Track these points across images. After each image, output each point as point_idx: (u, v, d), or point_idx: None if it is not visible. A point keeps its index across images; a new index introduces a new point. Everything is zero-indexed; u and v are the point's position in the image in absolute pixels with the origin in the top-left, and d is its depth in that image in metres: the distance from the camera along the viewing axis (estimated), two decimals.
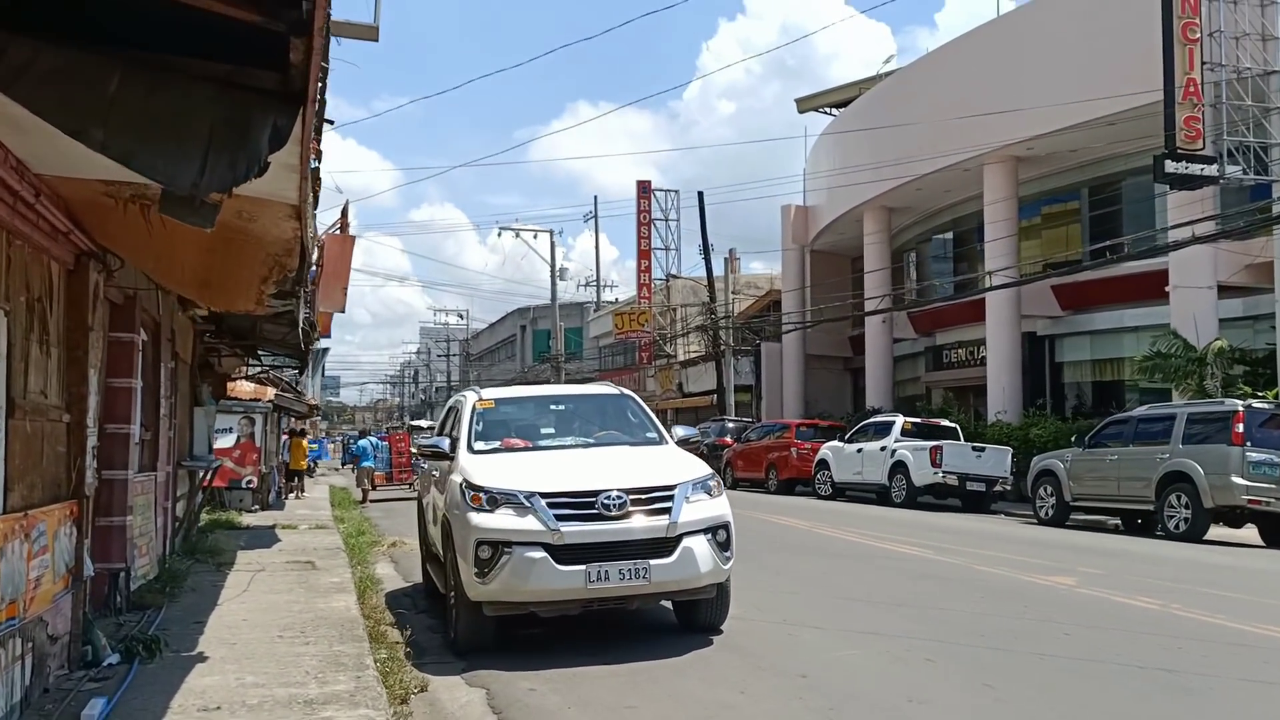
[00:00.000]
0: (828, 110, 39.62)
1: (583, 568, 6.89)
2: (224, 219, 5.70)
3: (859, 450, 23.24)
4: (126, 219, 5.77)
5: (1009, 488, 21.39)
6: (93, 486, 6.57)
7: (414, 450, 26.51)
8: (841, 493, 24.12)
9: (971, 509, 21.08)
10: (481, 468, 7.61)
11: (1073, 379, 27.17)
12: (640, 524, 7.05)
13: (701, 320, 40.85)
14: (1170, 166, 19.00)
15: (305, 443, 25.83)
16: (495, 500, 7.13)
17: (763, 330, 37.92)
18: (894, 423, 22.88)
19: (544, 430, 8.67)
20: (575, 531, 6.94)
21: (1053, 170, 26.60)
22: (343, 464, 54.04)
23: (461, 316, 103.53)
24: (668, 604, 7.90)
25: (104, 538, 7.74)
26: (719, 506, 7.49)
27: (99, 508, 7.71)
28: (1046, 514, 17.57)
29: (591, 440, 8.52)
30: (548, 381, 67.40)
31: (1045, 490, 17.66)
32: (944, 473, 20.78)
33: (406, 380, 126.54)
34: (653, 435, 8.66)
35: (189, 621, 7.86)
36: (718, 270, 39.26)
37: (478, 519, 7.08)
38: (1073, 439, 21.18)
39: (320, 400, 50.59)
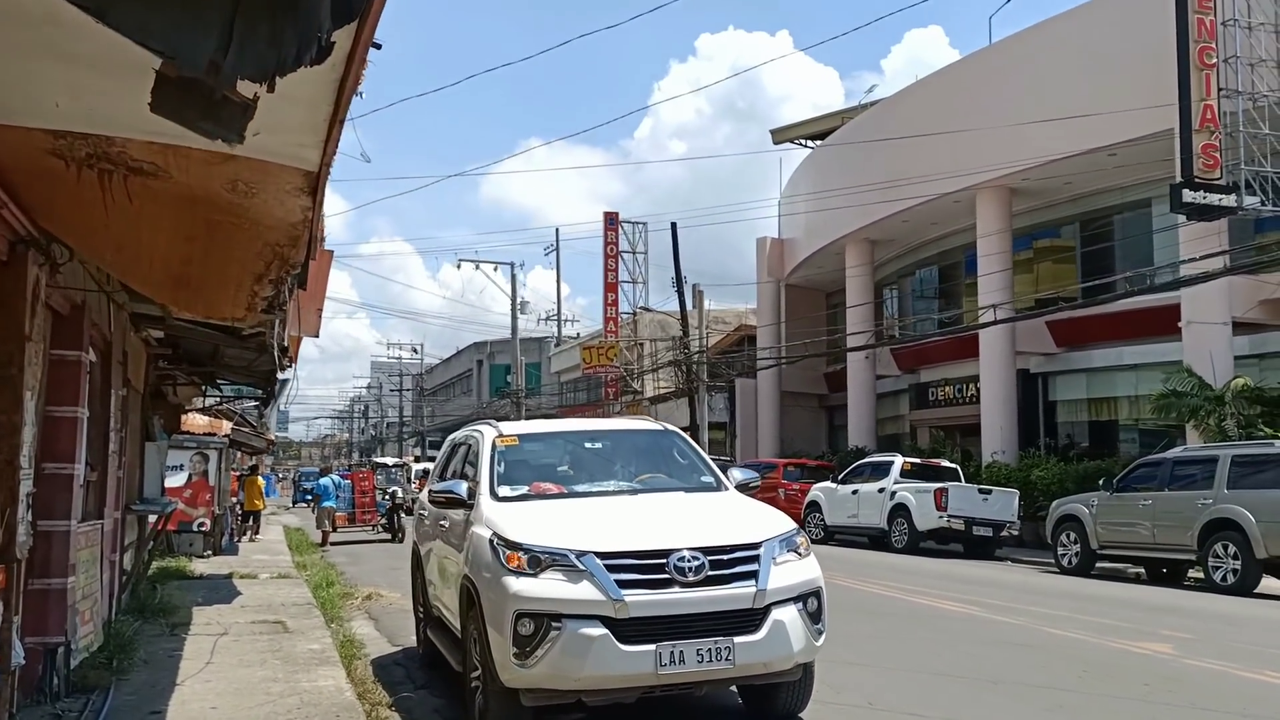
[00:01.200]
0: (803, 142, 38.83)
1: (652, 648, 5.47)
2: (212, 192, 4.28)
3: (854, 492, 22.01)
4: (79, 192, 4.34)
5: (1016, 533, 20.24)
6: (26, 546, 5.06)
7: (379, 490, 24.84)
8: (832, 536, 22.84)
9: (975, 555, 19.91)
10: (515, 519, 6.18)
11: (1068, 418, 26.22)
12: (721, 593, 5.66)
13: (673, 355, 39.57)
14: (1188, 196, 18.15)
15: (260, 480, 24.04)
16: (538, 561, 5.71)
17: (738, 365, 36.70)
18: (893, 463, 21.70)
19: (579, 473, 7.25)
20: (643, 602, 5.53)
21: (1044, 203, 25.81)
22: (294, 502, 51.75)
23: (415, 350, 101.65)
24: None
25: (39, 606, 6.19)
26: (809, 569, 6.13)
27: (34, 568, 6.16)
28: (1070, 562, 16.40)
29: (638, 485, 7.12)
30: (507, 418, 66.11)
31: (1068, 537, 16.50)
32: (949, 517, 19.60)
33: (356, 415, 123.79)
34: (708, 479, 7.29)
35: (144, 711, 6.30)
36: (687, 305, 38.03)
37: (518, 585, 5.65)
38: (1081, 482, 20.23)
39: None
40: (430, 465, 29.52)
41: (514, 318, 61.10)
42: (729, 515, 6.43)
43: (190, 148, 3.96)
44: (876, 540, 21.26)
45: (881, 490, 21.19)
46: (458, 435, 8.89)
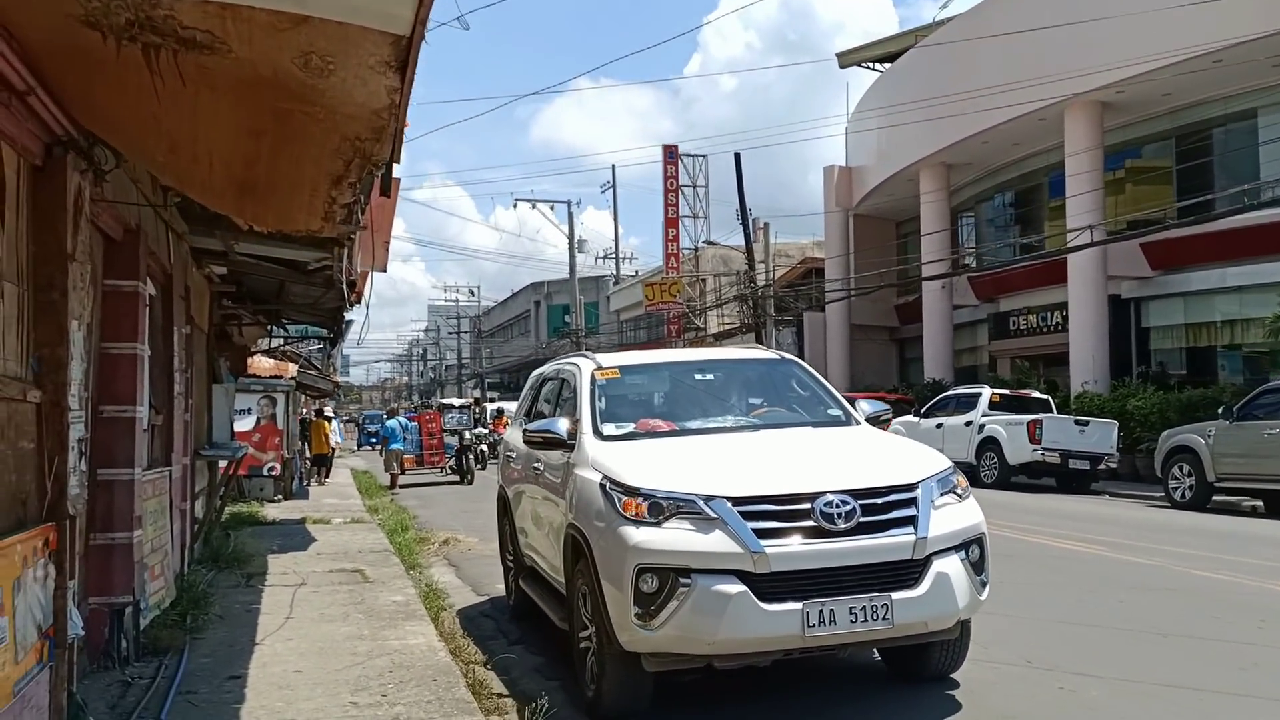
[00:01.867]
0: (871, 65, 37.19)
1: (798, 606, 4.71)
2: (281, 70, 3.49)
3: (938, 426, 21.02)
4: (122, 76, 3.57)
5: (1115, 465, 19.19)
6: (80, 499, 4.41)
7: (445, 430, 24.39)
8: None
9: (1070, 489, 18.93)
10: (628, 461, 5.43)
11: (1162, 345, 24.88)
12: (876, 542, 4.87)
13: (738, 289, 38.58)
14: None
15: (327, 424, 23.68)
16: (660, 508, 4.96)
17: (807, 298, 35.60)
18: (980, 395, 20.68)
19: (689, 408, 6.47)
20: (787, 554, 4.77)
21: (1138, 118, 24.26)
22: (359, 445, 51.91)
23: (473, 293, 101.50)
24: None
25: (103, 563, 5.59)
26: (971, 512, 5.32)
27: (95, 521, 5.55)
28: (1183, 496, 15.38)
29: (757, 421, 6.32)
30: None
31: (1181, 469, 15.45)
32: (1044, 450, 18.59)
33: (414, 359, 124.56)
34: (836, 412, 6.48)
35: (222, 676, 5.70)
36: (752, 238, 36.90)
37: (638, 535, 4.91)
38: (1184, 411, 19.09)
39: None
40: (505, 404, 28.02)
41: (572, 257, 60.30)
42: (873, 452, 5.62)
43: (254, 8, 3.19)
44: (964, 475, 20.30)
45: (969, 424, 20.22)
46: (546, 370, 8.16)
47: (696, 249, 45.72)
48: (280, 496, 17.84)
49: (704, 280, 45.15)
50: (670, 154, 45.71)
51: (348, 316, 13.47)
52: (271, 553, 10.90)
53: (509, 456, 8.04)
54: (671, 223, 44.99)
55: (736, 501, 4.87)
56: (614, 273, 63.83)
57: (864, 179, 34.82)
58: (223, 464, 11.13)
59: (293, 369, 17.86)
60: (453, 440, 24.03)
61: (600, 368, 6.65)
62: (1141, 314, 24.87)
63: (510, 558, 8.17)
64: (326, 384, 21.06)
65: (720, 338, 41.74)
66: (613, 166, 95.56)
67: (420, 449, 23.19)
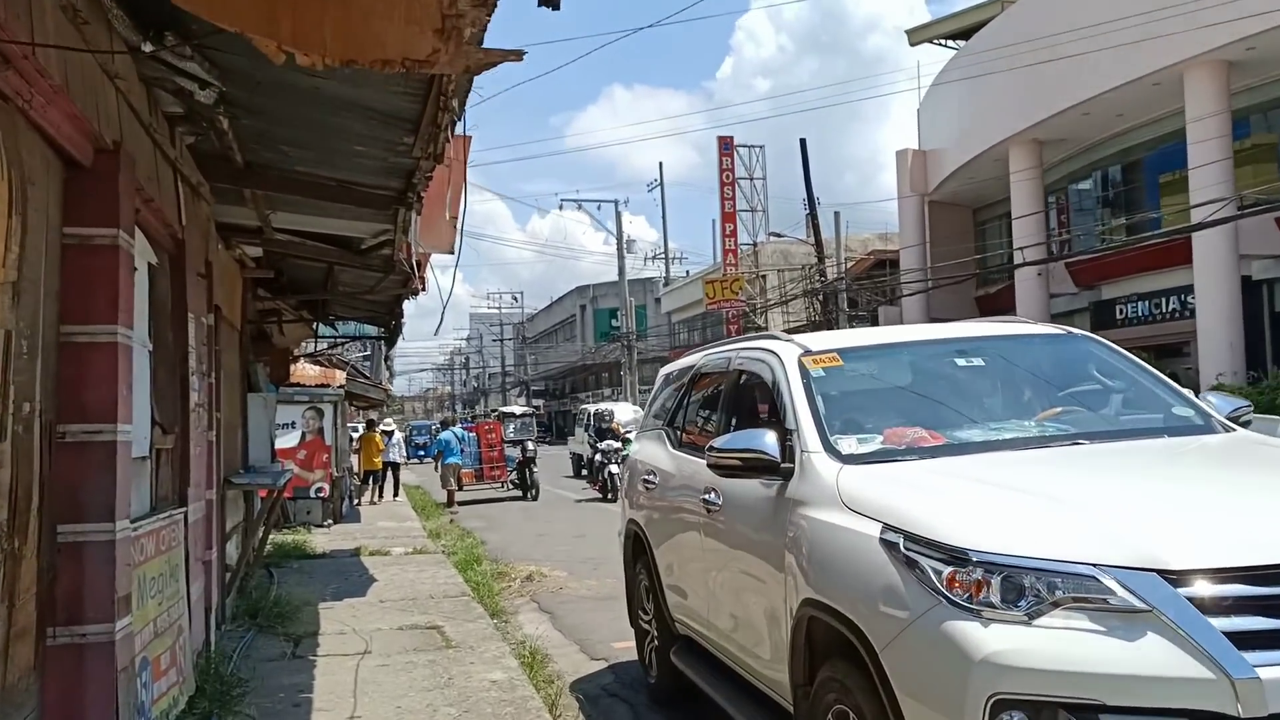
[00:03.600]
0: (943, 42, 34.81)
1: None
2: None
3: None
4: None
5: None
6: None
7: (505, 441, 22.31)
8: None
9: None
10: (929, 498, 3.25)
11: None
12: None
13: (805, 284, 36.27)
14: None
15: (379, 437, 21.66)
16: (1025, 589, 2.77)
17: (885, 289, 33.18)
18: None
19: (957, 409, 4.24)
20: None
21: (1270, 78, 21.70)
22: (406, 458, 50.00)
23: (515, 299, 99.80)
24: None
25: (67, 675, 3.49)
26: None
27: (52, 612, 3.45)
28: None
29: (1069, 428, 4.09)
30: (616, 365, 63.25)
31: None
32: None
33: (456, 368, 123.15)
34: (1187, 412, 4.25)
35: None
36: (825, 232, 34.60)
37: (994, 641, 2.72)
38: None
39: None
40: (613, 405, 25.43)
41: (620, 257, 58.16)
42: None
43: None
44: None
45: None
46: (696, 360, 5.99)
47: (755, 244, 43.43)
48: (330, 521, 15.83)
49: (764, 277, 42.82)
50: (725, 145, 43.54)
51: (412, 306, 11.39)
52: (324, 600, 8.82)
53: (646, 480, 5.87)
54: (729, 217, 42.78)
55: (1179, 577, 2.67)
56: (663, 274, 61.70)
57: (940, 162, 32.40)
58: (269, 489, 9.07)
59: (340, 376, 15.85)
60: (514, 452, 21.95)
61: (810, 353, 4.47)
62: (1276, 297, 22.29)
63: (647, 618, 6.01)
64: (378, 392, 19.01)
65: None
66: (659, 163, 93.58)
67: (479, 462, 21.09)
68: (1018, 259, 27.40)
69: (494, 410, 28.82)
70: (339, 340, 15.33)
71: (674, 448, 5.65)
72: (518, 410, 24.64)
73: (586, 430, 24.76)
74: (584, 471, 24.80)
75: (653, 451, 5.91)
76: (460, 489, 20.70)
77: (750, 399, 4.84)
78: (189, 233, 5.51)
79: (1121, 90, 22.83)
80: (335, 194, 6.50)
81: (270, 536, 14.30)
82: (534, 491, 20.99)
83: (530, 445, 21.38)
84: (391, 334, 11.07)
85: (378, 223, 7.59)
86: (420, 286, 9.06)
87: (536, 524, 16.67)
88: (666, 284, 59.17)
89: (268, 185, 6.27)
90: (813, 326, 36.13)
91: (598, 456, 21.26)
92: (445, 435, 21.01)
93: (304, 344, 12.25)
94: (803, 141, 34.69)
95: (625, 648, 6.92)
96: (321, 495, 15.41)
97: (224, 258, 7.80)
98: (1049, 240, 27.48)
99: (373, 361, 25.20)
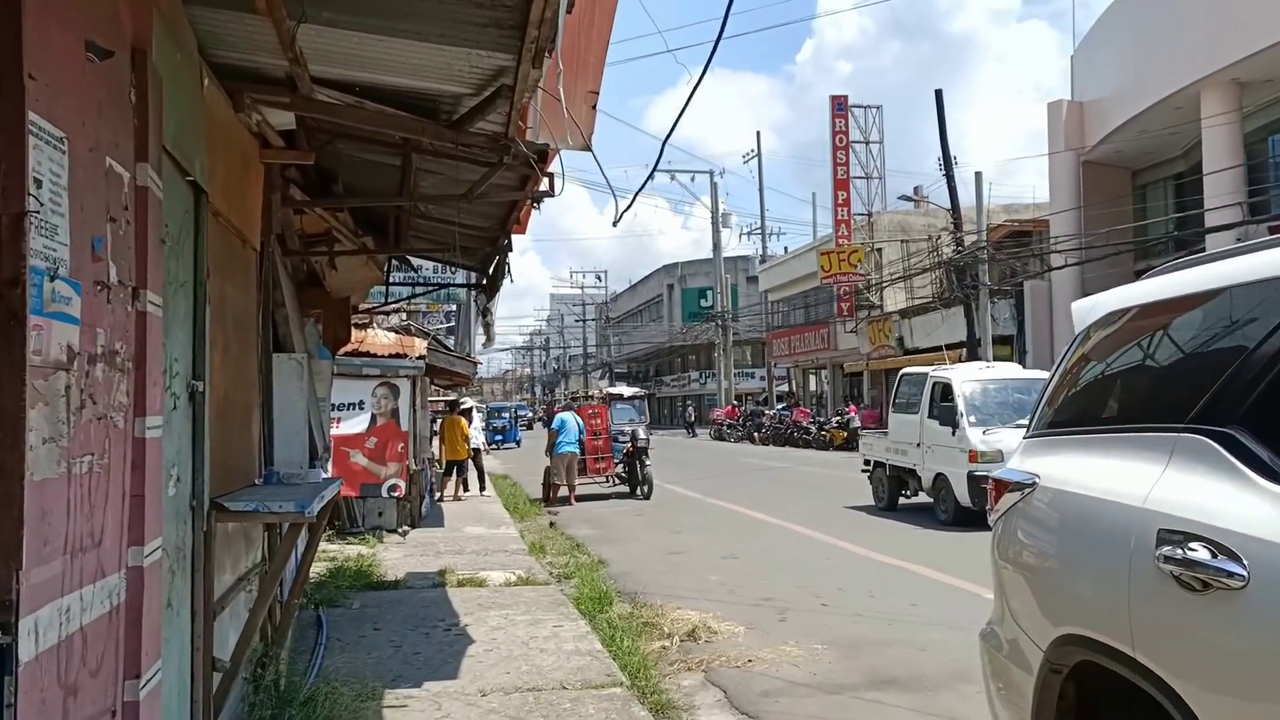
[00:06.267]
0: None
1: None
2: None
3: None
4: None
5: None
6: None
7: (611, 429, 18.92)
8: None
9: None
10: None
11: None
12: None
13: (933, 256, 32.27)
14: None
15: (463, 421, 18.42)
16: None
17: (1036, 261, 29.00)
18: None
19: None
20: None
21: None
22: (488, 443, 47.13)
23: (599, 278, 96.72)
24: None
25: None
26: None
27: None
28: None
29: None
30: (708, 346, 59.15)
31: None
32: None
33: (535, 348, 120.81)
34: None
35: None
36: (967, 197, 30.56)
37: None
38: None
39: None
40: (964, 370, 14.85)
41: (715, 230, 54.55)
42: None
43: None
44: None
45: None
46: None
47: (871, 214, 39.44)
48: (406, 526, 12.61)
49: (880, 250, 38.83)
50: (839, 105, 39.61)
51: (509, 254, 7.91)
52: (393, 686, 5.50)
53: (1189, 570, 2.31)
54: (842, 184, 38.88)
55: None
56: (759, 250, 57.85)
57: (1103, 114, 28.19)
58: (318, 507, 5.55)
59: (421, 345, 12.58)
60: (620, 441, 18.57)
61: None
62: None
63: None
64: (466, 366, 15.53)
65: (908, 315, 35.41)
66: (757, 133, 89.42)
67: (581, 452, 17.69)
68: (1209, 221, 23.28)
69: (589, 392, 25.26)
70: (419, 290, 11.93)
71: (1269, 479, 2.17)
72: (627, 391, 21.16)
73: (905, 410, 15.10)
74: (883, 484, 15.39)
75: (1193, 492, 2.38)
76: (572, 486, 17.36)
77: None
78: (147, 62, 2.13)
79: None
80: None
81: (328, 547, 11.14)
82: (646, 488, 17.58)
83: (642, 433, 17.92)
84: (492, 278, 7.64)
85: (484, 59, 4.24)
86: (547, 186, 5.65)
87: (662, 534, 13.26)
88: (763, 260, 55.30)
89: None
90: (943, 302, 32.23)
91: (967, 453, 12.79)
92: (565, 417, 17.58)
93: (369, 290, 8.91)
94: (938, 93, 30.71)
95: None
96: (396, 494, 12.17)
97: (225, 119, 4.47)
98: (1249, 201, 23.19)
99: (458, 328, 21.91)
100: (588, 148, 6.06)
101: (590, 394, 22.28)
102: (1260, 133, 24.86)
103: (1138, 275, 19.37)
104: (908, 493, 14.97)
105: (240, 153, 4.81)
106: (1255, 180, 24.60)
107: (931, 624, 7.38)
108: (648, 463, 17.86)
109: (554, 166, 6.03)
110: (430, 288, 12.98)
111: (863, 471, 16.38)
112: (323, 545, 11.21)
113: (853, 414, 34.70)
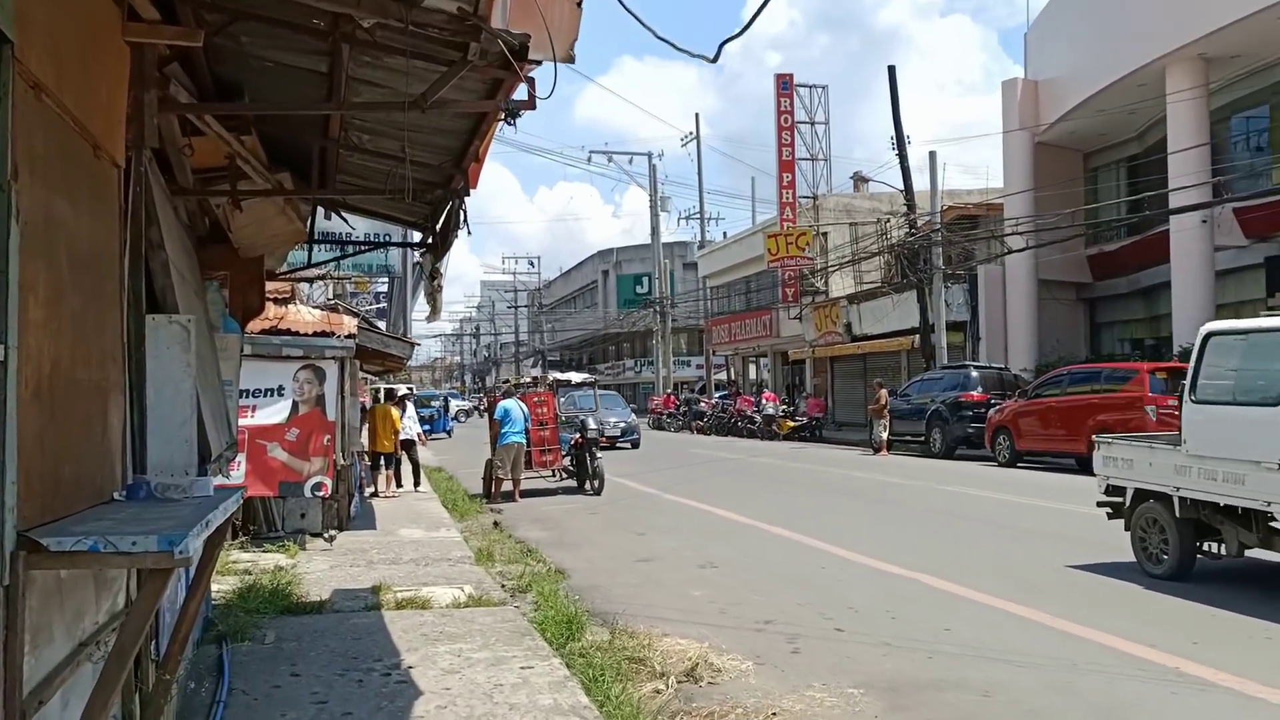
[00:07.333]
0: None
1: None
2: None
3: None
4: None
5: None
6: None
7: (561, 419, 17.42)
8: None
9: None
10: None
11: None
12: None
13: (881, 240, 31.29)
14: None
15: (393, 410, 16.76)
16: None
17: (992, 246, 28.02)
18: None
19: None
20: None
21: None
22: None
23: (532, 264, 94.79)
24: None
25: None
26: None
27: None
28: None
29: None
30: (645, 333, 57.62)
31: None
32: None
33: (466, 335, 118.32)
34: None
35: None
36: (920, 181, 29.60)
37: None
38: None
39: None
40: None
41: (654, 214, 52.98)
42: None
43: None
44: None
45: None
46: None
47: (816, 197, 38.32)
48: (333, 530, 11.01)
49: (825, 234, 37.74)
50: (784, 84, 38.35)
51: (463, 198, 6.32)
52: None
53: None
54: (787, 165, 37.67)
55: None
56: (697, 236, 56.50)
57: (1059, 93, 27.38)
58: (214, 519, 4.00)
59: (350, 323, 10.98)
60: (568, 433, 17.10)
61: None
62: None
63: None
64: (402, 347, 13.71)
65: (856, 300, 34.32)
66: (696, 115, 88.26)
67: (527, 443, 16.15)
68: (1173, 202, 22.53)
69: (527, 378, 23.64)
70: (349, 251, 10.20)
71: None
72: (576, 378, 19.64)
73: (1234, 402, 8.43)
74: (1167, 533, 8.70)
75: None
76: (517, 480, 15.81)
77: None
78: None
79: None
80: None
81: (240, 555, 9.52)
82: (597, 483, 16.10)
83: (592, 423, 16.44)
84: (443, 232, 6.04)
85: None
86: (527, 97, 4.18)
87: (623, 536, 11.83)
88: (702, 246, 53.98)
89: None
90: (893, 287, 31.23)
91: None
92: (508, 405, 15.95)
93: (290, 249, 7.25)
94: (891, 69, 29.68)
95: None
96: (321, 494, 10.56)
97: None
98: (1215, 181, 22.47)
99: (390, 310, 20.07)
100: (569, 58, 4.56)
101: (533, 379, 20.63)
102: (1223, 111, 24.21)
103: (1090, 260, 18.13)
104: (1219, 549, 8.43)
105: (86, 12, 3.26)
106: (1218, 161, 23.96)
107: (982, 657, 6.07)
108: (599, 455, 16.40)
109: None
110: (365, 247, 11.24)
111: (1101, 506, 9.50)
112: (235, 555, 9.59)
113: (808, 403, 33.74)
